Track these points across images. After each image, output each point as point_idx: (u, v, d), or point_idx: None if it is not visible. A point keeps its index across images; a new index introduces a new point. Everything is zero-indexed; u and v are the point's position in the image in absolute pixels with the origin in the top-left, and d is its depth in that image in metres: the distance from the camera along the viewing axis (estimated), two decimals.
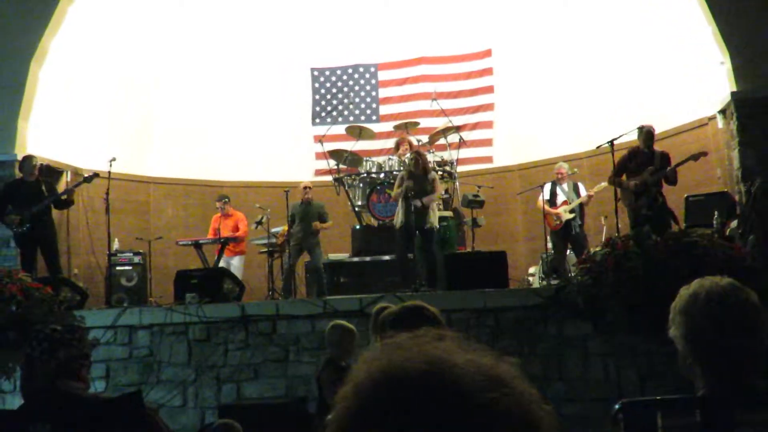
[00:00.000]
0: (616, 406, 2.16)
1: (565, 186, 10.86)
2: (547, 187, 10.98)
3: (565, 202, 10.73)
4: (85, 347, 3.21)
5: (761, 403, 2.05)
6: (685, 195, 9.95)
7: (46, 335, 3.14)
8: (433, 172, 9.90)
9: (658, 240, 7.35)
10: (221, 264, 11.57)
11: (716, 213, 9.02)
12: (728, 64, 9.56)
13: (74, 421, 2.95)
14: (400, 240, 9.68)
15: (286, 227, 11.08)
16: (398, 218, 9.68)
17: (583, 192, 10.83)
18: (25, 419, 2.98)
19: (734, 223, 8.75)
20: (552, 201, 10.83)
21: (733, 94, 9.47)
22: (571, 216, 10.60)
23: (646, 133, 9.44)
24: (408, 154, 11.69)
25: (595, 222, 11.59)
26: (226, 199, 12.35)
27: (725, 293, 2.09)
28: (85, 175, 10.20)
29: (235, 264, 12.00)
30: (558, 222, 10.66)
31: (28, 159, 10.02)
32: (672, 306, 2.17)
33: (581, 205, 10.74)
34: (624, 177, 9.43)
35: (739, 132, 9.35)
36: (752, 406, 2.02)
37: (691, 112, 11.14)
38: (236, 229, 12.11)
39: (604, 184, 10.00)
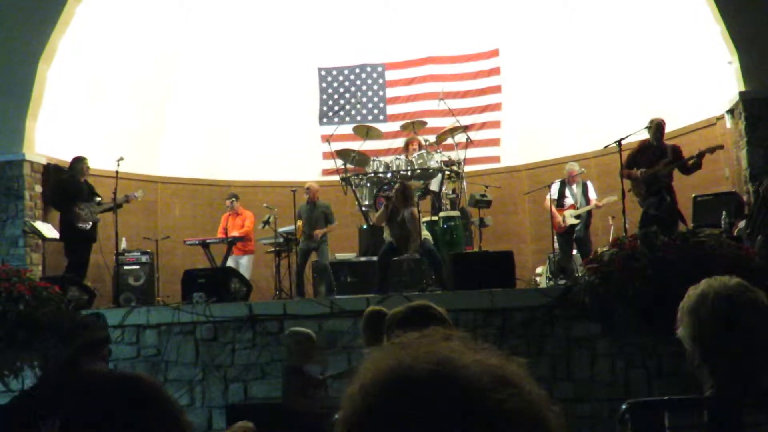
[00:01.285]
0: (624, 407, 2.16)
1: (574, 187, 10.81)
2: (556, 186, 10.94)
3: (572, 206, 10.70)
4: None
5: None
6: (693, 195, 9.93)
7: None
8: (413, 209, 9.70)
9: (665, 240, 7.33)
10: (230, 263, 11.60)
11: (724, 213, 8.99)
12: (736, 64, 9.53)
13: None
14: (384, 254, 9.76)
15: (301, 221, 11.09)
16: (386, 234, 9.84)
17: (592, 194, 10.79)
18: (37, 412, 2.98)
19: (742, 223, 8.72)
20: (560, 202, 10.80)
21: (741, 93, 9.44)
22: (576, 222, 10.58)
23: (657, 126, 9.42)
24: (416, 153, 11.69)
25: (603, 222, 11.56)
26: (234, 198, 12.39)
27: (734, 293, 2.08)
28: (130, 194, 10.63)
29: (243, 263, 12.03)
30: (562, 225, 10.64)
31: (81, 160, 10.27)
32: (680, 306, 2.17)
33: (589, 211, 10.72)
34: (635, 170, 9.41)
35: (747, 132, 9.33)
36: (760, 406, 2.01)
37: (700, 111, 11.11)
38: (243, 227, 12.16)
39: (615, 198, 9.88)
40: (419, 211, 9.75)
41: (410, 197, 9.67)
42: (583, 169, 11.20)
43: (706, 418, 2.03)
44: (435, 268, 9.59)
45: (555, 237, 10.90)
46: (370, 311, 5.67)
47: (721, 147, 9.19)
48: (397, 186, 10.01)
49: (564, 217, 10.67)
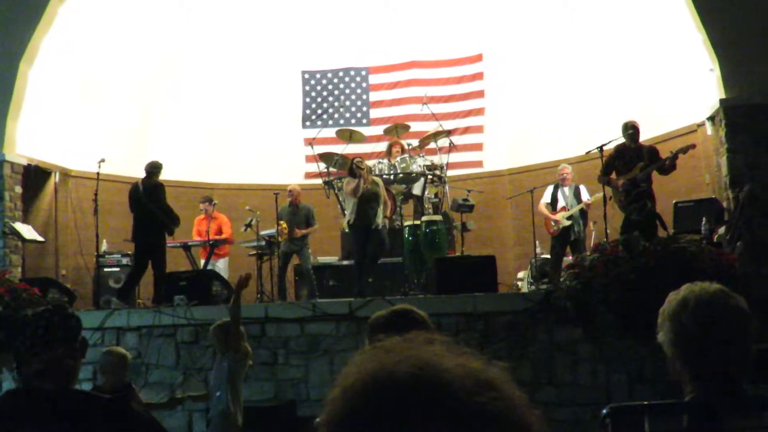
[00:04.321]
0: (604, 411, 2.16)
1: (566, 190, 10.81)
2: (549, 190, 10.96)
3: (563, 209, 10.70)
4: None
5: (749, 408, 2.05)
6: (674, 201, 9.99)
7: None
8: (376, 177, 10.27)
9: (647, 245, 7.36)
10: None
11: (705, 219, 9.05)
12: (717, 71, 9.60)
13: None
14: (356, 242, 9.93)
15: (284, 223, 11.03)
16: (349, 216, 10.04)
17: (584, 195, 10.79)
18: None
19: (722, 230, 8.78)
20: (553, 206, 10.81)
21: (722, 101, 9.50)
22: (568, 223, 10.58)
23: (629, 127, 9.41)
24: (399, 157, 11.69)
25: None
26: (215, 202, 12.32)
27: (714, 299, 2.09)
28: None
29: (219, 267, 11.96)
30: (555, 228, 10.65)
31: (159, 162, 10.22)
32: (661, 311, 2.17)
33: (582, 210, 10.71)
34: (614, 175, 9.42)
35: (727, 139, 9.38)
36: (740, 411, 2.02)
37: (680, 118, 11.18)
38: (219, 232, 12.05)
39: (600, 195, 9.90)
40: (400, 207, 10.26)
41: (368, 169, 10.22)
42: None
43: (686, 423, 2.04)
44: (372, 259, 9.94)
45: (550, 240, 10.90)
46: (110, 350, 5.55)
47: (693, 146, 9.20)
48: (356, 161, 10.25)
49: (556, 220, 10.68)
